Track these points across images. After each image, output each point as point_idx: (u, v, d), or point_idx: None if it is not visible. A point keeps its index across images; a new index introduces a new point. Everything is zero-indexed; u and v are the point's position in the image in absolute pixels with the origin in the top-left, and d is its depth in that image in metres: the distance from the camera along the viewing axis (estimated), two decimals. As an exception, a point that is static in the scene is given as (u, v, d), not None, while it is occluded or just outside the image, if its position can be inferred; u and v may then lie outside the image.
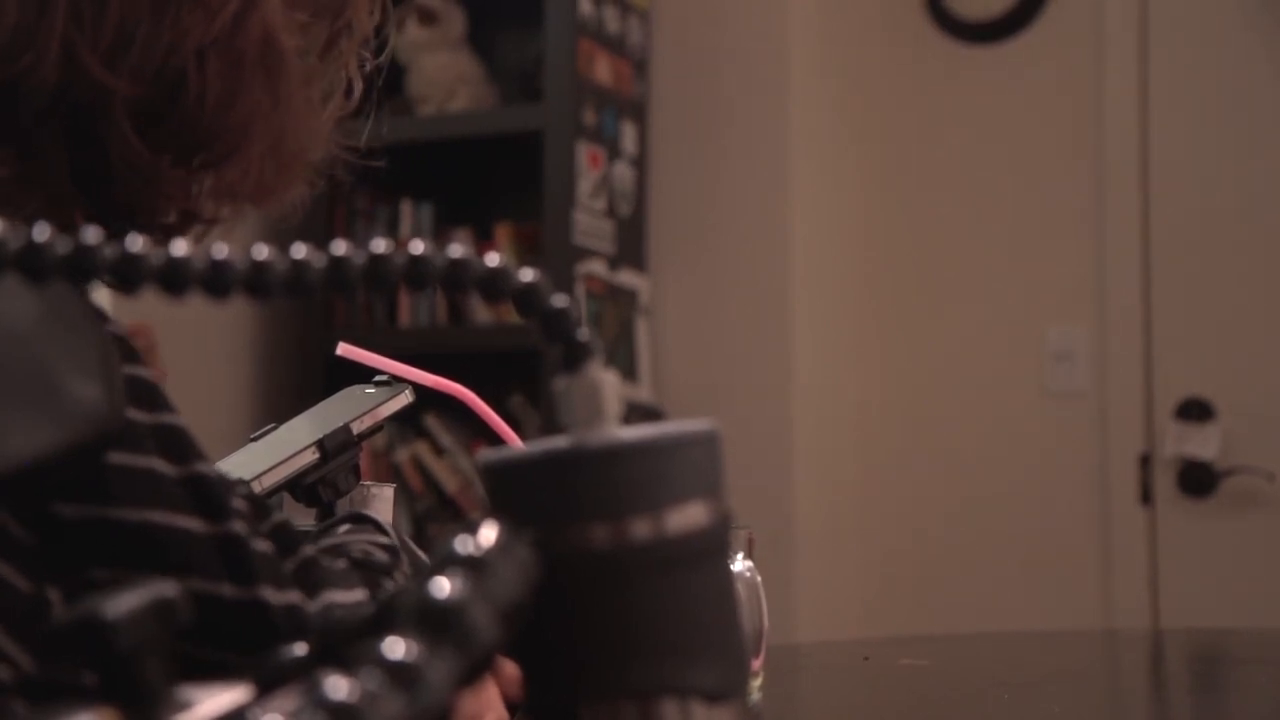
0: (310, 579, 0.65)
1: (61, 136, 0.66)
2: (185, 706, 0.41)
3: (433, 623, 0.42)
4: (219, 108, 0.68)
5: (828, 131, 3.08)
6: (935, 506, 3.09)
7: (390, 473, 2.89)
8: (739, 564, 0.92)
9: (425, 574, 0.44)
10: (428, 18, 2.87)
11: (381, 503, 0.83)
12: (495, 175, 2.99)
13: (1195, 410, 2.94)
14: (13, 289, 0.53)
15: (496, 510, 0.48)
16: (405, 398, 0.84)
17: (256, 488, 0.78)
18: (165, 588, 0.43)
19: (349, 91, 0.78)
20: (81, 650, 0.43)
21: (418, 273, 0.48)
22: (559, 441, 0.47)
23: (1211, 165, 2.98)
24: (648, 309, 2.93)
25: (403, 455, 2.89)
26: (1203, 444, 2.92)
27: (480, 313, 2.86)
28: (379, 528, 0.78)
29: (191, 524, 0.61)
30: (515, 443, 0.65)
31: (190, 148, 0.68)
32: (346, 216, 2.89)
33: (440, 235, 2.90)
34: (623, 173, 2.88)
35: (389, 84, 2.98)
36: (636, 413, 2.78)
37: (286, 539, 0.65)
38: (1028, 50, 3.11)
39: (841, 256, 3.10)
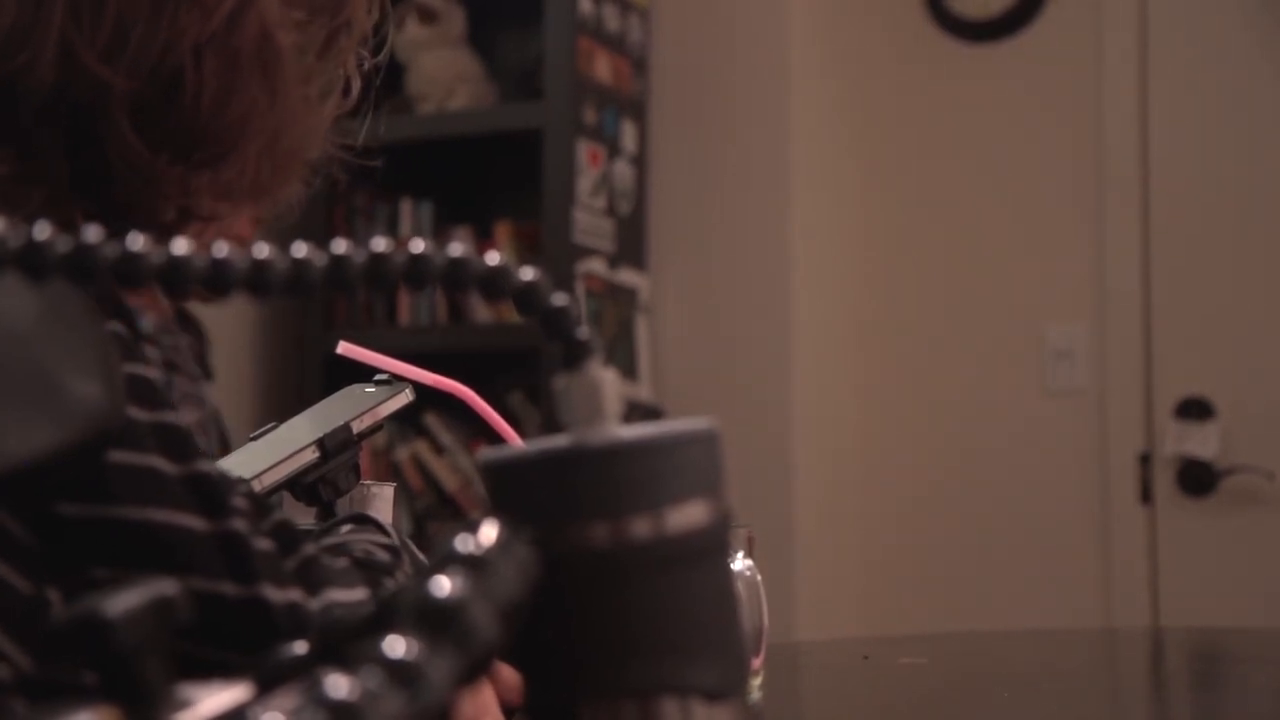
0: (312, 577, 0.65)
1: (60, 135, 0.66)
2: (185, 705, 0.41)
3: (433, 621, 0.42)
4: (216, 105, 0.68)
5: (828, 130, 3.08)
6: (935, 505, 3.09)
7: (390, 471, 2.89)
8: (739, 563, 0.92)
9: (425, 573, 0.44)
10: (427, 16, 2.87)
11: (382, 502, 0.83)
12: (495, 174, 2.99)
13: (1195, 409, 2.94)
14: (13, 288, 0.53)
15: (496, 509, 0.48)
16: (405, 396, 0.84)
17: (257, 486, 0.78)
18: (165, 586, 0.43)
19: (347, 89, 0.78)
20: (81, 649, 0.43)
21: (418, 272, 0.48)
22: (559, 440, 0.47)
23: (1211, 164, 2.98)
24: (647, 308, 2.93)
25: (403, 454, 2.89)
26: (1202, 443, 2.93)
27: (480, 311, 2.86)
28: (380, 528, 0.78)
29: (192, 522, 0.61)
30: (515, 441, 0.65)
31: (188, 145, 0.68)
32: (346, 215, 2.89)
33: (440, 234, 2.89)
34: (623, 171, 2.88)
35: (388, 82, 2.98)
36: (636, 411, 2.78)
37: (287, 538, 0.65)
38: (1028, 49, 3.11)
39: (841, 255, 3.10)
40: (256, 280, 0.46)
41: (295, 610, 0.63)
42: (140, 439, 0.61)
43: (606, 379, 0.49)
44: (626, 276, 2.89)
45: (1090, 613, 2.92)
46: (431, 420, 2.86)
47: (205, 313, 2.69)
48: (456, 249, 0.48)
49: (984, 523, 3.05)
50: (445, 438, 2.87)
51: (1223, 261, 2.96)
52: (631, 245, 2.90)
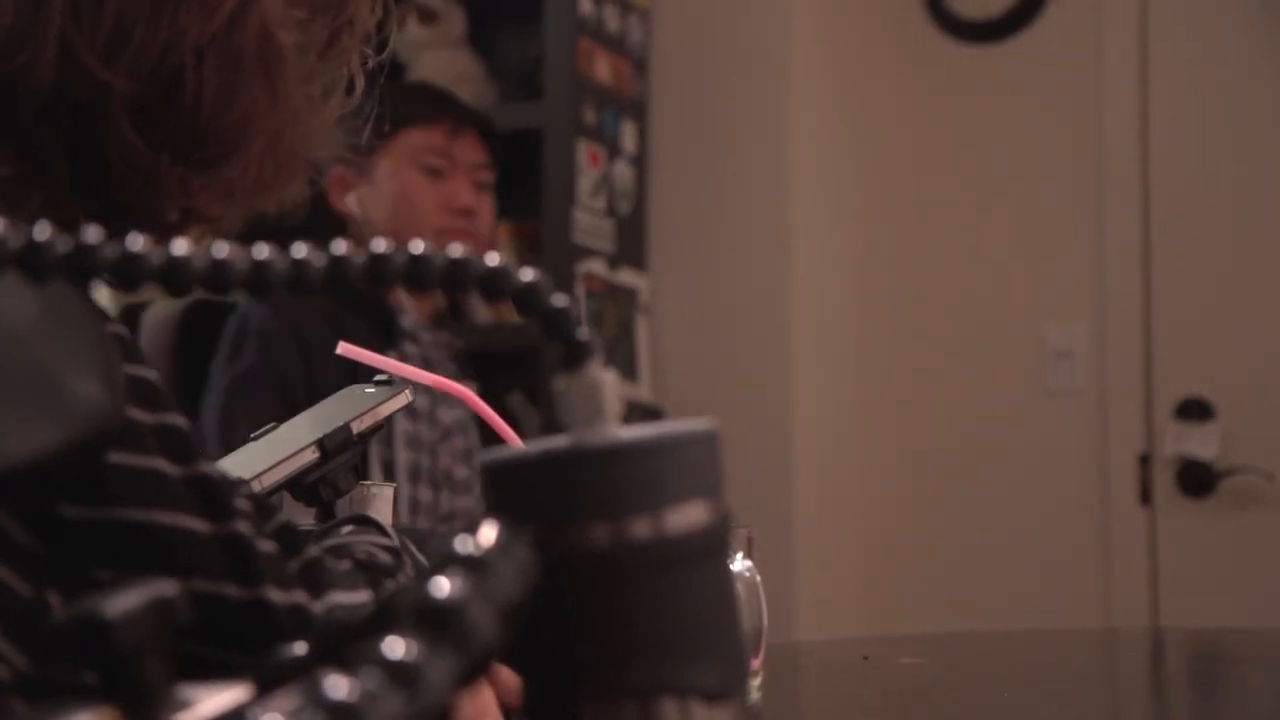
0: (315, 580, 0.65)
1: (61, 135, 0.66)
2: (185, 706, 0.41)
3: (432, 622, 0.42)
4: (217, 106, 0.67)
5: (828, 130, 3.08)
6: (935, 506, 3.09)
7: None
8: (739, 563, 0.92)
9: (425, 574, 0.44)
10: (428, 16, 2.87)
11: (382, 503, 0.83)
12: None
13: (1195, 410, 2.94)
14: (13, 288, 0.53)
15: (496, 510, 0.48)
16: (405, 397, 0.84)
17: (256, 487, 0.78)
18: (164, 587, 0.43)
19: (350, 88, 0.77)
20: (81, 649, 0.43)
21: (418, 272, 0.48)
22: (559, 441, 0.47)
23: (1211, 164, 2.98)
24: (647, 308, 2.93)
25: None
26: (1202, 443, 2.92)
27: (480, 311, 2.86)
28: (381, 529, 0.78)
29: (195, 524, 0.61)
30: (515, 442, 0.65)
31: (189, 146, 0.68)
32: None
33: (439, 234, 2.89)
34: (622, 172, 2.88)
35: (388, 82, 2.93)
36: (636, 412, 2.78)
37: (290, 539, 0.65)
38: (1028, 50, 3.11)
39: (841, 255, 3.10)
40: (256, 280, 0.46)
41: (299, 612, 0.63)
42: (142, 440, 0.61)
43: (606, 380, 0.49)
44: (626, 277, 2.89)
45: (1090, 613, 2.92)
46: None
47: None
48: (456, 250, 0.48)
49: (984, 523, 3.05)
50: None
51: (1223, 261, 2.96)
52: (631, 245, 2.90)
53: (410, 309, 2.13)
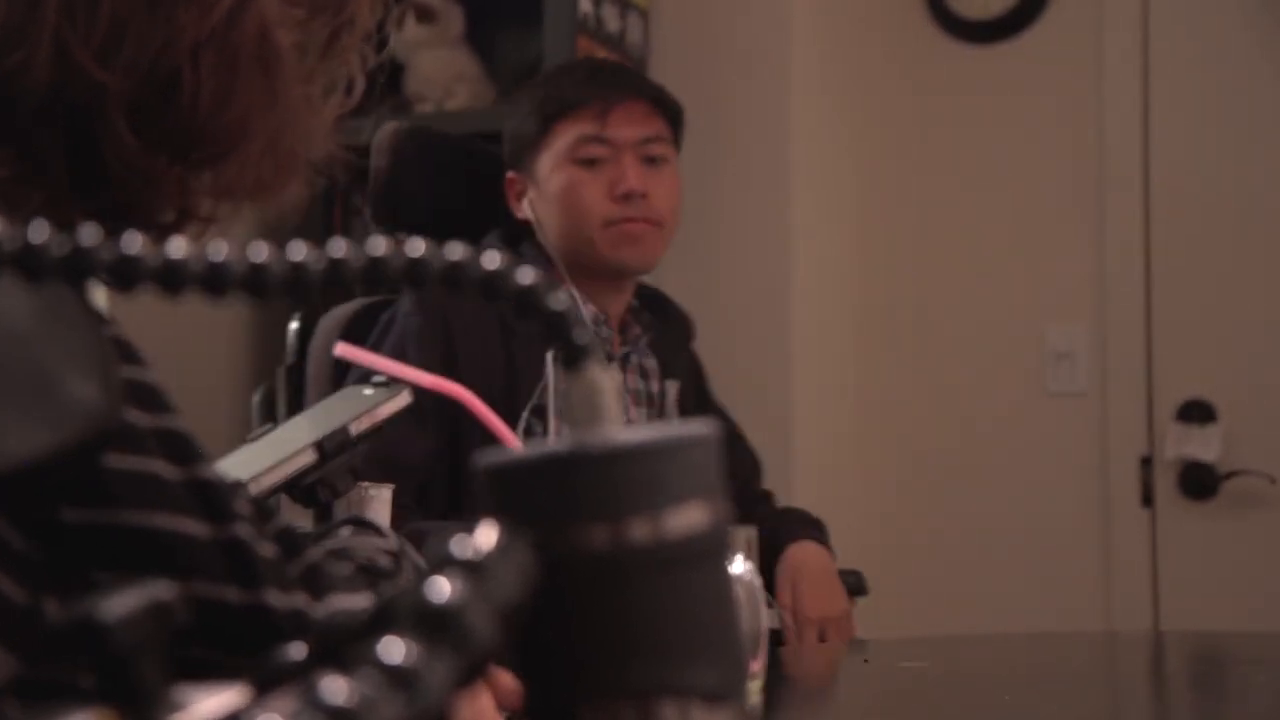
0: (316, 583, 0.65)
1: (59, 136, 0.66)
2: (182, 707, 0.41)
3: (431, 625, 0.42)
4: (215, 105, 0.67)
5: (828, 130, 3.08)
6: (935, 507, 3.09)
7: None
8: (740, 565, 0.92)
9: (423, 576, 0.44)
10: (426, 15, 2.87)
11: (380, 504, 0.83)
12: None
13: (1196, 412, 2.94)
14: (10, 289, 0.53)
15: (495, 512, 0.48)
16: (403, 399, 0.84)
17: (255, 488, 0.78)
18: (161, 588, 0.43)
19: (350, 88, 0.77)
20: (78, 651, 0.42)
21: (416, 275, 0.48)
22: (558, 442, 0.47)
23: (1212, 165, 2.98)
24: (648, 309, 2.93)
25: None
26: (1204, 446, 2.92)
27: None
28: (379, 532, 0.78)
29: (195, 528, 0.61)
30: (513, 444, 0.65)
31: (186, 146, 0.68)
32: (344, 215, 2.88)
33: (439, 234, 2.89)
34: (623, 172, 2.87)
35: (386, 82, 2.93)
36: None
37: (291, 543, 0.65)
38: (1029, 50, 3.11)
39: (841, 255, 3.10)
40: (254, 283, 0.46)
41: (299, 617, 0.63)
42: (142, 443, 0.61)
43: (606, 381, 0.48)
44: (626, 277, 2.88)
45: (1091, 615, 2.91)
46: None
47: (202, 311, 2.68)
48: (455, 252, 0.48)
49: (984, 525, 3.05)
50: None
51: (1224, 263, 2.96)
52: (632, 246, 2.89)
53: (588, 304, 1.99)
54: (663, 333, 2.07)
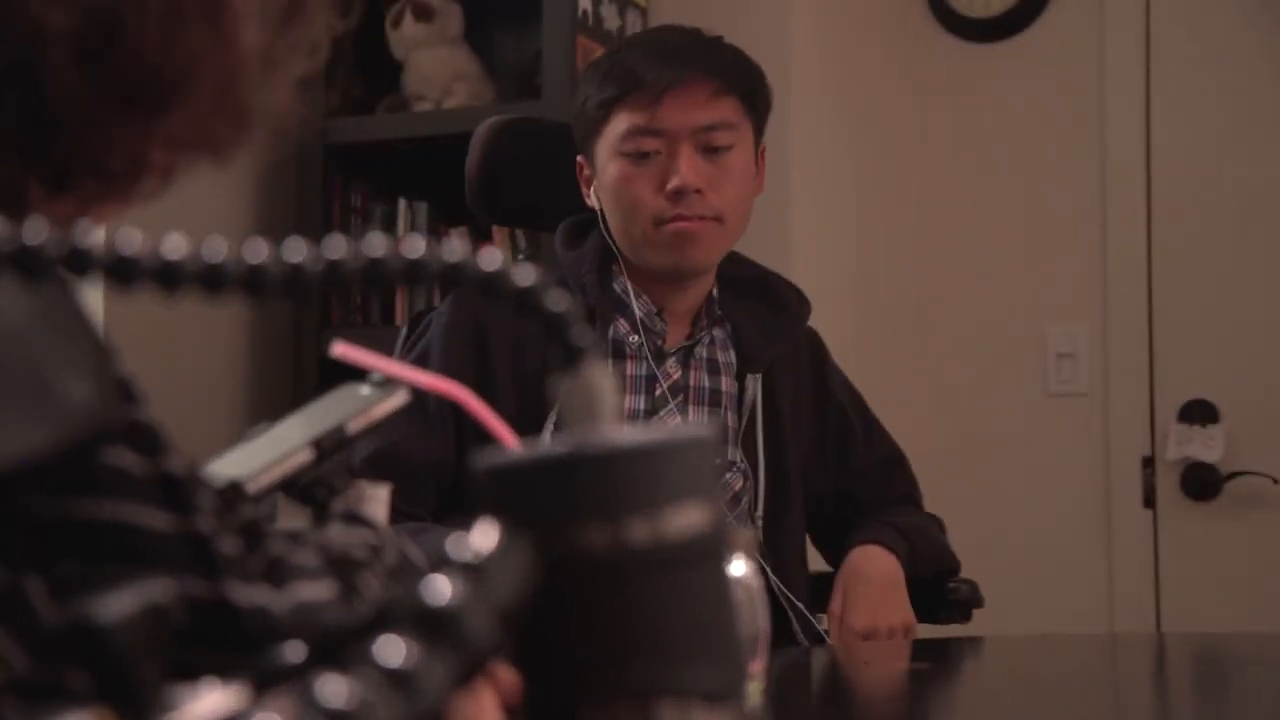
0: (278, 575, 0.64)
1: (1, 82, 0.65)
2: (179, 708, 0.41)
3: (430, 626, 0.42)
4: (160, 46, 0.67)
5: (828, 129, 3.08)
6: (936, 508, 3.08)
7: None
8: (741, 565, 0.92)
9: (421, 575, 0.44)
10: (425, 14, 2.87)
11: (377, 502, 0.83)
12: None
13: (1198, 412, 2.94)
14: (5, 288, 0.53)
15: (495, 512, 0.47)
16: (400, 398, 0.83)
17: (252, 487, 0.77)
18: (157, 590, 0.43)
19: (316, 51, 0.77)
20: (75, 653, 0.42)
21: (415, 276, 0.48)
22: (557, 443, 0.47)
23: (1214, 164, 2.98)
24: (649, 309, 2.92)
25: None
26: (1206, 446, 2.92)
27: (480, 312, 2.85)
28: (369, 526, 0.78)
29: (158, 520, 0.61)
30: (511, 444, 0.64)
31: (131, 88, 0.67)
32: (343, 214, 2.88)
33: (437, 233, 2.89)
34: (624, 172, 2.87)
35: (385, 80, 2.93)
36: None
37: (255, 536, 0.65)
38: (1030, 48, 3.11)
39: (842, 254, 3.10)
40: (252, 283, 0.46)
41: (261, 610, 0.62)
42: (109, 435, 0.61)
43: (604, 382, 0.48)
44: (628, 278, 2.88)
45: (1093, 617, 2.91)
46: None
47: (201, 310, 2.68)
48: (455, 253, 0.48)
49: (986, 526, 3.04)
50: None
51: (1226, 263, 2.95)
52: (633, 246, 2.88)
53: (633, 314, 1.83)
54: (760, 322, 1.88)
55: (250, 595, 0.62)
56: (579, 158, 1.85)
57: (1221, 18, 2.99)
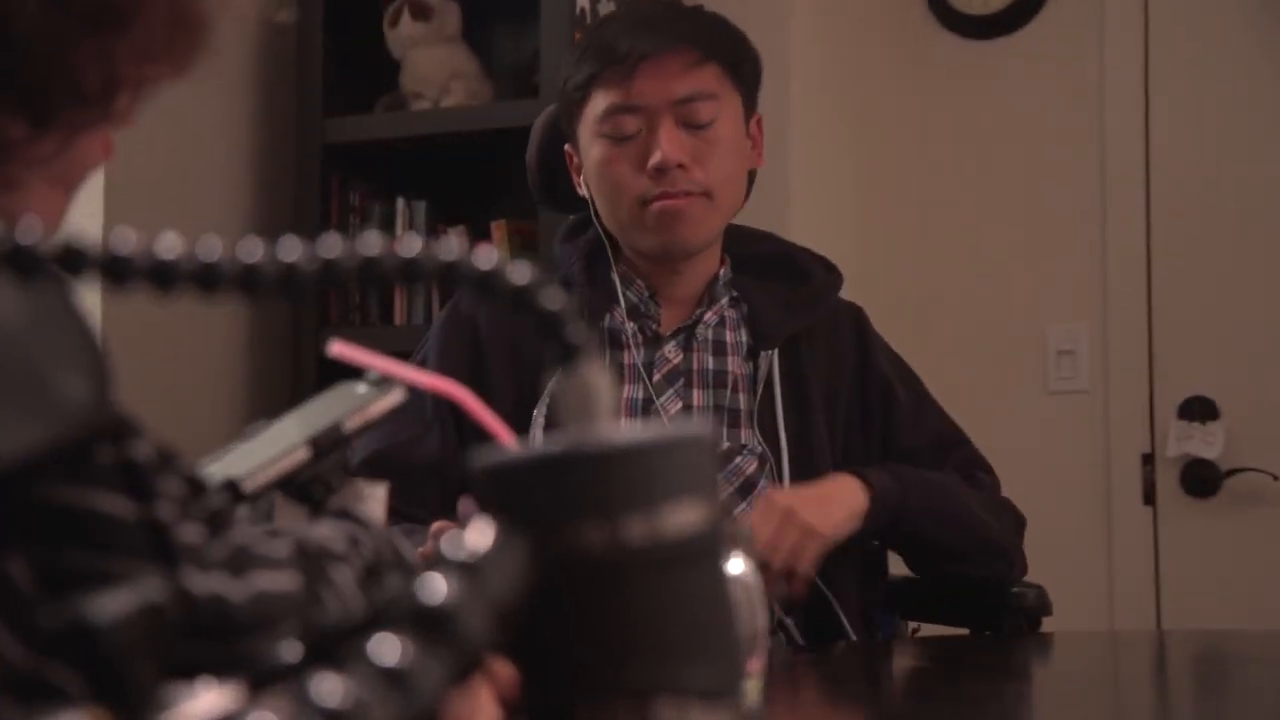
0: (239, 565, 0.64)
1: None
2: (174, 707, 0.41)
3: (426, 625, 0.42)
4: None
5: (827, 127, 3.08)
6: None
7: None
8: (741, 563, 0.92)
9: (412, 569, 0.44)
10: (422, 12, 2.86)
11: (374, 501, 0.83)
12: (491, 171, 2.98)
13: (1198, 409, 2.94)
14: (1, 287, 0.53)
15: (491, 510, 0.47)
16: (397, 396, 0.83)
17: (249, 485, 0.77)
18: (152, 590, 0.43)
19: None
20: (70, 653, 0.42)
21: (411, 274, 0.48)
22: (553, 442, 0.47)
23: (1213, 162, 2.98)
24: (648, 307, 2.92)
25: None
26: (1206, 443, 2.92)
27: (478, 311, 2.85)
28: (360, 523, 0.77)
29: (118, 506, 0.61)
30: (509, 443, 0.64)
31: (91, 6, 0.69)
32: (340, 213, 2.88)
33: (435, 232, 2.88)
34: (623, 171, 2.87)
35: (383, 79, 2.91)
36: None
37: (219, 525, 0.65)
38: (1029, 46, 3.11)
39: (841, 252, 3.08)
40: (247, 282, 0.46)
41: (217, 598, 0.62)
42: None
43: (601, 380, 0.48)
44: (627, 276, 2.88)
45: (1093, 614, 2.91)
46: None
47: (198, 308, 2.67)
48: (450, 251, 0.48)
49: (985, 522, 3.04)
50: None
51: (1225, 260, 2.95)
52: (632, 245, 2.88)
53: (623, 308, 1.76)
54: (780, 298, 1.78)
55: (206, 583, 0.62)
56: (566, 147, 1.78)
57: (1221, 15, 2.99)
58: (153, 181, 2.47)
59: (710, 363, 1.73)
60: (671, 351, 1.71)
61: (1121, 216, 3.01)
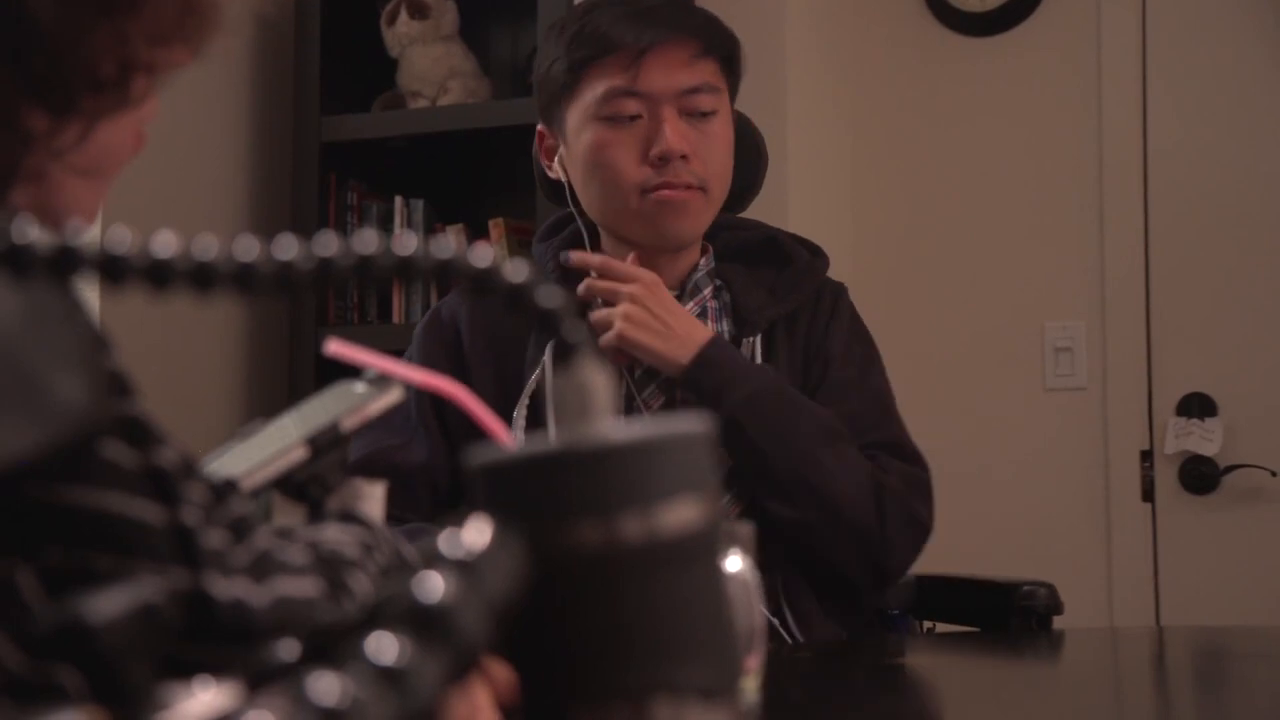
0: (262, 570, 0.65)
1: None
2: (171, 706, 0.41)
3: (423, 624, 0.42)
4: None
5: (825, 124, 3.08)
6: (935, 503, 3.08)
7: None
8: (738, 561, 0.92)
9: (414, 572, 0.43)
10: (419, 11, 2.86)
11: (372, 501, 0.83)
12: (488, 170, 2.98)
13: (1197, 406, 2.94)
14: (-3, 287, 0.53)
15: (487, 509, 0.47)
16: (395, 395, 0.83)
17: (247, 484, 0.77)
18: (148, 590, 0.43)
19: None
20: (68, 653, 0.42)
21: (407, 272, 0.47)
22: (549, 440, 0.47)
23: (1211, 158, 2.98)
24: (646, 305, 2.92)
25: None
26: (1204, 439, 2.92)
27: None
28: (365, 525, 0.77)
29: (143, 511, 0.61)
30: (506, 441, 0.64)
31: None
32: (338, 212, 2.88)
33: (433, 230, 2.88)
34: (620, 169, 2.86)
35: (380, 78, 2.91)
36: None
37: (242, 530, 0.65)
38: (1027, 42, 3.11)
39: (838, 249, 3.09)
40: (242, 280, 0.46)
41: (239, 603, 0.63)
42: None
43: (598, 378, 0.48)
44: (625, 274, 2.87)
45: (1091, 610, 2.91)
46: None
47: (196, 307, 2.67)
48: (446, 249, 0.48)
49: (984, 520, 3.04)
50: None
51: (1224, 257, 2.95)
52: (629, 243, 2.88)
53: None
54: (764, 284, 1.77)
55: (229, 589, 0.62)
56: (540, 127, 1.75)
57: (1218, 11, 2.98)
58: (150, 180, 2.46)
59: None
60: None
61: (1119, 213, 3.01)
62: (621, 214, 1.68)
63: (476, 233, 2.85)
